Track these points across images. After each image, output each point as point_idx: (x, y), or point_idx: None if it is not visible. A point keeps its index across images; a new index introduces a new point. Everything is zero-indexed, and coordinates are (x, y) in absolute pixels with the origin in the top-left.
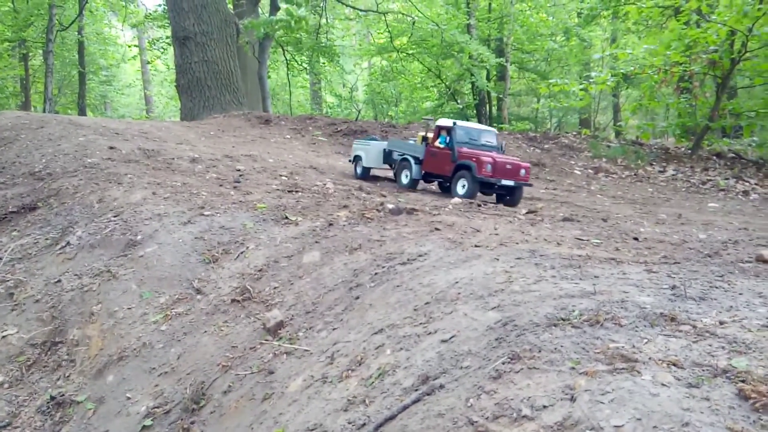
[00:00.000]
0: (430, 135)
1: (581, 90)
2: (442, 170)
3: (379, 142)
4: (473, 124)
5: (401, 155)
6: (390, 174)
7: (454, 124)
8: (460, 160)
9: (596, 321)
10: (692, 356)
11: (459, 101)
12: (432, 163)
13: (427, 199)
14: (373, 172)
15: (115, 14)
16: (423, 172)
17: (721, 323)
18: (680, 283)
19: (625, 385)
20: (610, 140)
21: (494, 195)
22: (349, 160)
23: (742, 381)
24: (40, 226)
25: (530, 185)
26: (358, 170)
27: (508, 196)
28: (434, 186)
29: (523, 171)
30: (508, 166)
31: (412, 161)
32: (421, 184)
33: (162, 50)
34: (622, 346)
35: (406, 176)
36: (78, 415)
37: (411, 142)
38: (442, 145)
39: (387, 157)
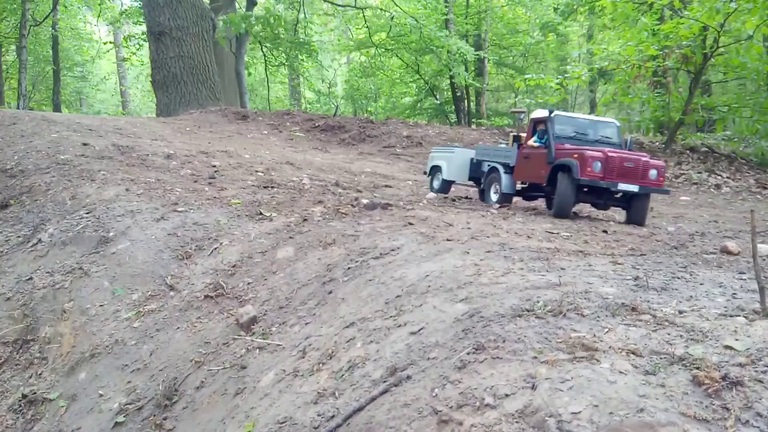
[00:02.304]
0: (524, 134)
1: (556, 85)
2: (536, 176)
3: (464, 149)
4: (581, 114)
5: (490, 164)
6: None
7: (551, 112)
8: (558, 160)
9: (559, 311)
10: (651, 345)
11: (438, 97)
12: (525, 169)
13: (403, 194)
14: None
15: (89, 9)
16: (516, 183)
17: (681, 312)
18: (643, 275)
19: (584, 373)
20: None
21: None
22: (425, 173)
23: (697, 368)
24: (11, 223)
25: (666, 192)
26: (436, 184)
27: (629, 208)
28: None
29: (653, 172)
30: (629, 164)
31: (501, 170)
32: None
33: (138, 46)
34: (584, 336)
35: (495, 191)
36: (50, 412)
37: (502, 145)
38: (537, 144)
39: (475, 168)
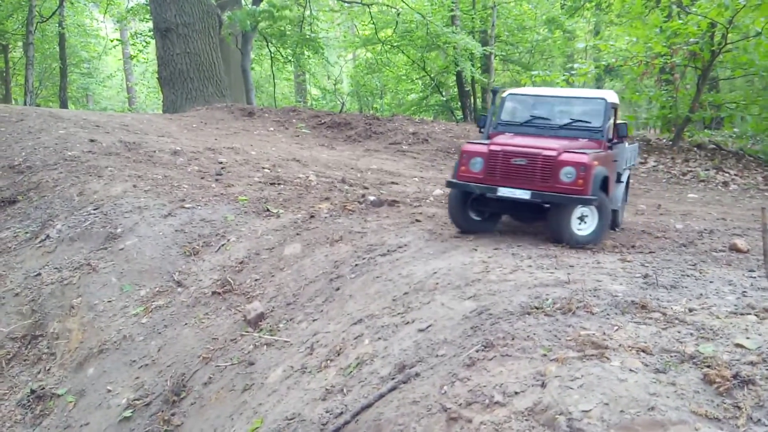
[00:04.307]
0: None
1: (563, 82)
2: None
3: None
4: (549, 90)
5: None
6: None
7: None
8: None
9: (569, 309)
10: (661, 343)
11: (444, 93)
12: None
13: (409, 191)
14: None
15: (96, 6)
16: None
17: (691, 310)
18: (653, 272)
19: (594, 371)
20: None
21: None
22: None
23: (708, 366)
24: (20, 219)
25: (588, 201)
26: None
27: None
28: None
29: (567, 172)
30: (518, 161)
31: None
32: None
33: (144, 43)
34: (593, 334)
35: None
36: (58, 408)
37: None
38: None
39: None
